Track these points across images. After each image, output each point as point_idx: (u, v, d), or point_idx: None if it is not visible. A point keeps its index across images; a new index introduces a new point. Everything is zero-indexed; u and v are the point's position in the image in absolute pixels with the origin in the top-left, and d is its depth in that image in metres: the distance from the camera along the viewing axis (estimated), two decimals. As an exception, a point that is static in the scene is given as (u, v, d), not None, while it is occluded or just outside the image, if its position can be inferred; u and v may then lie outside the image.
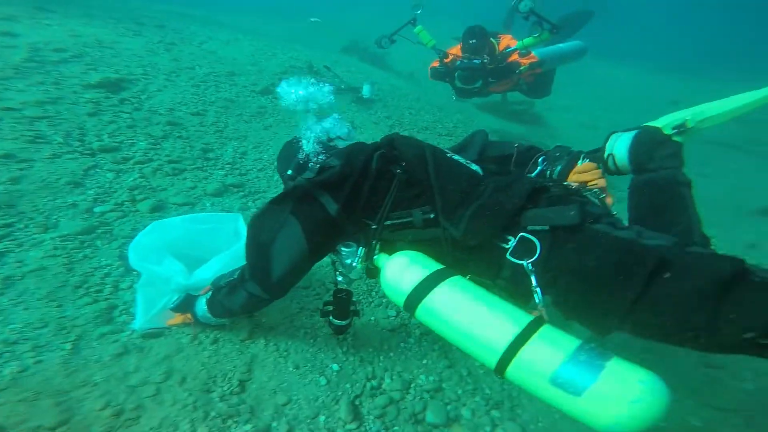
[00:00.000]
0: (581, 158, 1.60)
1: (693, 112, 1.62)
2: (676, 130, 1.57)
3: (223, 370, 1.63)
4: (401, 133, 1.69)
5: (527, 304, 1.25)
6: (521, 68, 4.21)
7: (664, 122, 1.63)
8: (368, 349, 1.93)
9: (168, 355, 1.63)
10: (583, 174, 1.51)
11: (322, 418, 1.58)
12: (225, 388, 1.57)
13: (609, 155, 1.61)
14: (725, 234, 3.94)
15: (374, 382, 1.79)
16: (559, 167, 1.57)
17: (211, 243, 1.93)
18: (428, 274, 1.31)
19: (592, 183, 1.48)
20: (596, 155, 1.65)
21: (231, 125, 3.68)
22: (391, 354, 1.92)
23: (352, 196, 1.44)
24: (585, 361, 0.99)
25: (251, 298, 1.53)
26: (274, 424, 1.51)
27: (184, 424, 1.42)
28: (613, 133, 1.68)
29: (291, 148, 2.01)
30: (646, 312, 1.05)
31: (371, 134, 4.42)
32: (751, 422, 1.79)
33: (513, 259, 1.25)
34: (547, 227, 1.22)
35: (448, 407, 1.73)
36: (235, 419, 1.48)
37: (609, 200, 1.45)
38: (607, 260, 1.11)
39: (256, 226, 1.48)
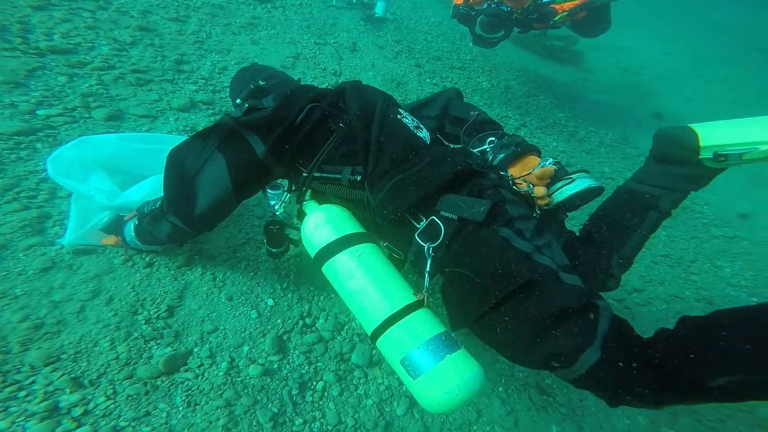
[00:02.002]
0: (545, 161, 1.41)
1: None
2: (713, 157, 1.18)
3: (153, 295, 1.66)
4: (359, 81, 1.59)
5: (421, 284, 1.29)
6: (557, 17, 3.57)
7: (716, 140, 1.20)
8: (309, 288, 1.94)
9: (98, 274, 1.65)
10: (526, 174, 1.40)
11: (245, 348, 1.64)
12: (152, 312, 1.61)
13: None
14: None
15: (308, 320, 1.82)
16: (501, 155, 1.46)
17: (153, 163, 1.84)
18: (340, 236, 1.34)
19: (526, 182, 1.38)
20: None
21: (215, 36, 3.37)
22: (332, 296, 1.93)
23: (282, 141, 1.40)
24: (431, 350, 1.15)
25: (175, 230, 1.50)
26: (196, 349, 1.58)
27: (104, 341, 1.48)
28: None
29: (244, 75, 1.85)
30: (492, 322, 1.14)
31: (373, 59, 4.04)
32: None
33: (418, 239, 1.26)
34: (455, 216, 1.21)
35: (374, 352, 1.77)
36: (157, 341, 1.54)
37: (542, 201, 1.35)
38: (487, 266, 1.14)
39: (178, 158, 1.40)
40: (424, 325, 1.20)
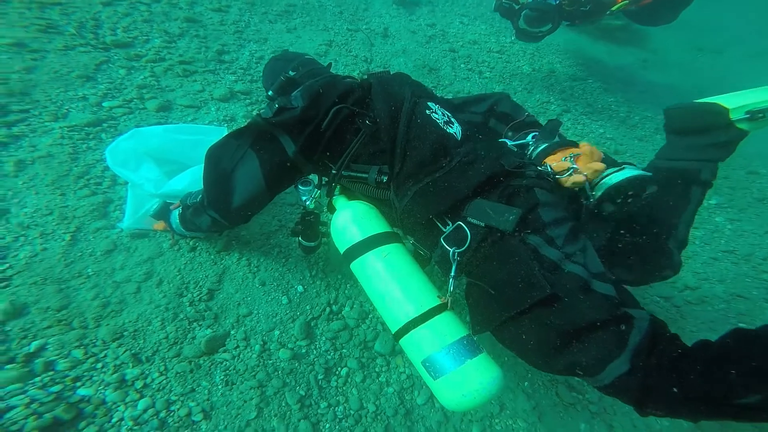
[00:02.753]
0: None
1: None
2: (749, 115, 1.29)
3: (196, 278, 1.82)
4: (387, 71, 1.58)
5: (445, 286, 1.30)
6: (615, 6, 3.24)
7: (742, 101, 1.32)
8: (336, 276, 2.02)
9: (150, 257, 1.83)
10: (558, 162, 1.32)
11: (276, 332, 1.77)
12: (195, 295, 1.77)
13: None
14: None
15: (335, 307, 1.92)
16: (541, 146, 1.38)
17: (195, 153, 1.97)
18: (367, 236, 1.36)
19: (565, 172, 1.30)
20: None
21: (253, 25, 3.45)
22: (358, 284, 2.00)
23: (312, 140, 1.42)
24: (452, 354, 1.18)
25: (214, 222, 1.61)
26: (233, 331, 1.72)
27: (156, 321, 1.65)
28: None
29: (275, 65, 1.88)
30: (513, 330, 1.14)
31: (404, 45, 3.95)
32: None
33: (444, 244, 1.26)
34: (482, 224, 1.19)
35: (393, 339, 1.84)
36: (199, 323, 1.70)
37: (580, 178, 1.26)
38: (512, 277, 1.12)
39: (215, 157, 1.49)
40: (447, 328, 1.22)
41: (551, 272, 1.11)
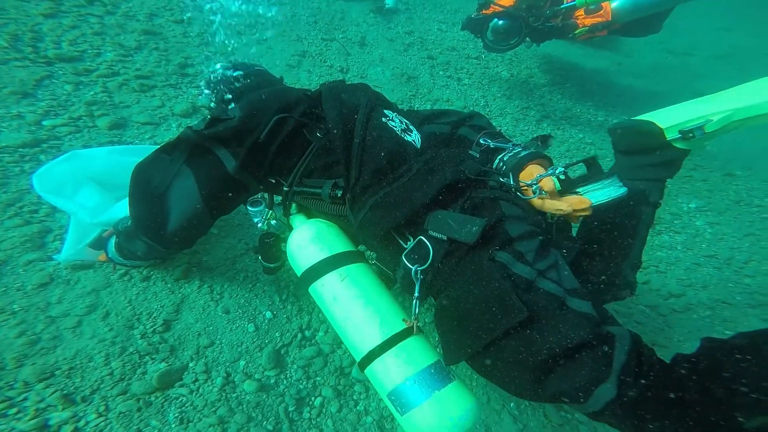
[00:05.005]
0: (553, 169, 1.22)
1: (724, 107, 1.25)
2: (681, 135, 1.28)
3: (150, 309, 1.65)
4: (342, 80, 1.49)
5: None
6: (577, 31, 3.28)
7: (674, 119, 1.31)
8: (309, 300, 1.87)
9: (95, 289, 1.65)
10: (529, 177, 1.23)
11: (242, 362, 1.60)
12: (148, 327, 1.59)
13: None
14: None
15: (308, 333, 1.77)
16: (520, 154, 1.26)
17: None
18: (327, 256, 1.25)
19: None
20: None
21: (219, 37, 3.33)
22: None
23: (255, 155, 1.29)
24: (419, 385, 1.06)
25: (151, 249, 1.46)
26: (191, 364, 1.55)
27: (99, 357, 1.47)
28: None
29: (218, 76, 1.75)
30: (489, 360, 1.04)
31: (382, 53, 3.89)
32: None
33: (406, 262, 1.14)
34: (445, 237, 1.09)
35: (358, 369, 1.70)
36: (152, 356, 1.53)
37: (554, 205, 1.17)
38: (484, 299, 1.02)
39: (144, 175, 1.34)
40: (413, 355, 1.11)
41: (525, 291, 1.01)
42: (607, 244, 1.29)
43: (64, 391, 1.37)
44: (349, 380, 1.67)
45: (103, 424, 1.34)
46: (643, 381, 0.93)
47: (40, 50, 2.52)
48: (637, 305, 2.26)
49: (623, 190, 1.16)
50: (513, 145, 1.34)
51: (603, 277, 1.26)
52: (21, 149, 2.02)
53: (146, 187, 1.32)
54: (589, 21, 3.30)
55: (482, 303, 1.02)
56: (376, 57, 3.84)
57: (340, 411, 1.57)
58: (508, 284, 1.00)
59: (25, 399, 1.33)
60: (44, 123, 2.17)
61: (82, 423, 1.32)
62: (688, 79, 5.19)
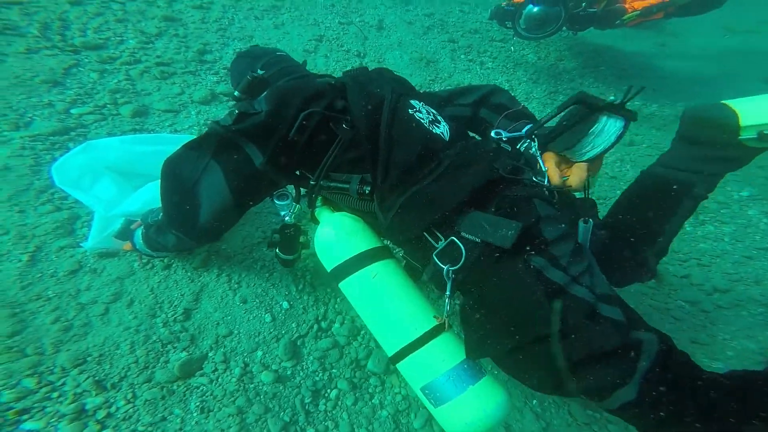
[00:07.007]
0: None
1: None
2: (759, 137, 1.13)
3: (171, 297, 1.68)
4: (364, 68, 1.45)
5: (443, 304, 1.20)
6: (626, 17, 2.99)
7: (755, 119, 1.13)
8: (325, 290, 1.87)
9: (120, 277, 1.69)
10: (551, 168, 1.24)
11: (259, 353, 1.62)
12: (169, 315, 1.63)
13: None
14: None
15: (324, 324, 1.77)
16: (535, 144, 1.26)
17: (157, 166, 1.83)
18: (356, 253, 1.26)
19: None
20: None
21: (237, 22, 3.29)
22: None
23: (282, 150, 1.27)
24: (453, 380, 1.10)
25: (181, 241, 1.48)
26: (211, 353, 1.58)
27: (124, 345, 1.52)
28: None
29: (241, 62, 1.73)
30: (513, 360, 1.07)
31: (400, 37, 3.76)
32: None
33: (437, 261, 1.13)
34: (478, 239, 1.07)
35: (390, 363, 1.69)
36: (174, 345, 1.56)
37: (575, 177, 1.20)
38: (516, 304, 1.03)
39: (173, 171, 1.34)
40: (446, 351, 1.15)
41: (557, 297, 0.99)
42: (636, 230, 1.27)
43: (96, 377, 1.42)
44: (365, 373, 1.66)
45: (131, 410, 1.38)
46: (663, 388, 0.95)
47: (68, 38, 2.56)
48: (675, 300, 2.14)
49: (620, 124, 1.14)
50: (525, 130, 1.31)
51: (624, 261, 1.27)
52: (51, 137, 2.07)
53: (176, 181, 1.33)
54: (641, 4, 2.99)
55: (514, 308, 1.03)
56: (394, 41, 3.71)
57: (356, 404, 1.57)
58: (541, 291, 1.00)
59: (64, 384, 1.38)
60: (72, 111, 2.21)
61: (113, 408, 1.37)
62: (752, 57, 4.62)
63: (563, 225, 1.11)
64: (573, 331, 0.97)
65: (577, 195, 1.34)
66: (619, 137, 1.15)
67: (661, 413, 0.95)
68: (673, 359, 1.01)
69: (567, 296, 1.00)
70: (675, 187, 1.24)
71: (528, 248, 1.03)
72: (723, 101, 1.21)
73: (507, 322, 1.03)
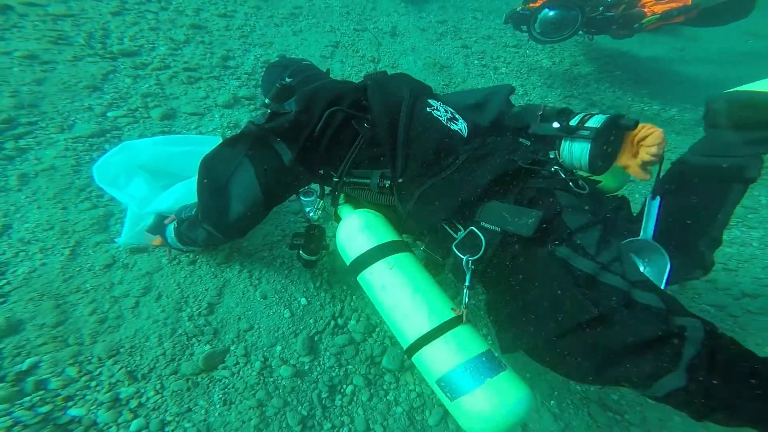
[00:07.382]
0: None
1: None
2: None
3: (196, 292, 1.75)
4: (384, 72, 1.49)
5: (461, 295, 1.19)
6: (645, 21, 2.89)
7: None
8: (342, 287, 1.92)
9: (149, 272, 1.77)
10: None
11: (278, 347, 1.68)
12: (194, 309, 1.70)
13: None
14: None
15: (340, 321, 1.82)
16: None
17: (188, 165, 1.90)
18: (373, 246, 1.29)
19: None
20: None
21: (258, 29, 3.41)
22: (364, 296, 1.90)
23: (309, 147, 1.35)
24: (470, 372, 1.06)
25: (210, 236, 1.55)
26: (233, 347, 1.64)
27: (153, 337, 1.59)
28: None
29: (272, 71, 1.82)
30: (548, 352, 1.06)
31: (413, 43, 3.82)
32: None
33: (457, 252, 1.15)
34: (498, 229, 1.08)
35: (405, 356, 1.72)
36: (198, 338, 1.63)
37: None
38: (545, 296, 1.02)
39: (208, 168, 1.42)
40: (463, 343, 1.11)
41: (589, 288, 0.98)
42: (684, 218, 1.23)
43: (128, 368, 1.49)
44: (380, 369, 1.70)
45: (160, 401, 1.45)
46: (713, 373, 0.91)
47: (107, 46, 2.72)
48: (699, 304, 2.11)
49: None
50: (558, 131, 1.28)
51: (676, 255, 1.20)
52: (90, 139, 2.21)
53: (211, 177, 1.41)
54: (661, 7, 2.88)
55: (544, 300, 1.01)
56: (408, 46, 3.78)
57: (371, 400, 1.61)
58: (570, 281, 0.98)
59: (100, 374, 1.46)
60: (108, 114, 2.35)
61: (144, 399, 1.44)
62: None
63: (588, 215, 1.09)
64: (610, 318, 0.95)
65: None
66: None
67: (715, 398, 0.91)
68: (721, 344, 0.96)
69: (599, 284, 0.99)
70: (724, 173, 1.21)
71: (551, 238, 1.03)
72: (738, 87, 1.23)
73: (541, 314, 1.01)
